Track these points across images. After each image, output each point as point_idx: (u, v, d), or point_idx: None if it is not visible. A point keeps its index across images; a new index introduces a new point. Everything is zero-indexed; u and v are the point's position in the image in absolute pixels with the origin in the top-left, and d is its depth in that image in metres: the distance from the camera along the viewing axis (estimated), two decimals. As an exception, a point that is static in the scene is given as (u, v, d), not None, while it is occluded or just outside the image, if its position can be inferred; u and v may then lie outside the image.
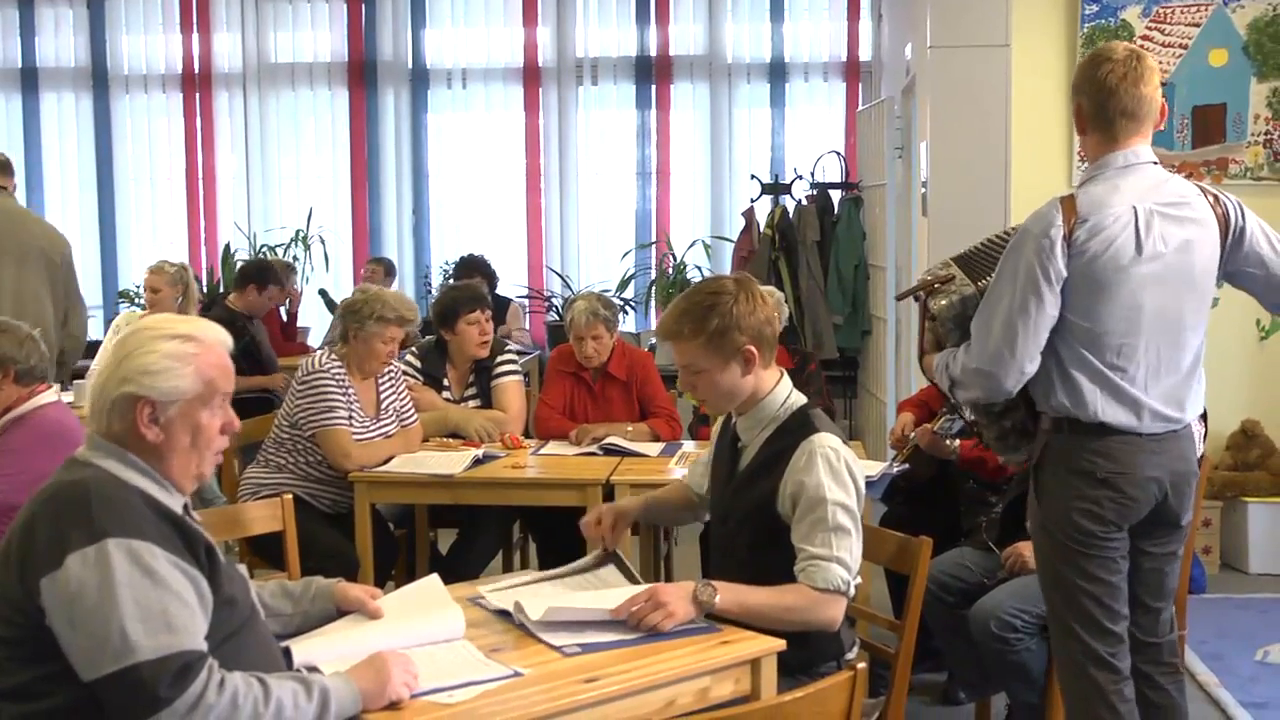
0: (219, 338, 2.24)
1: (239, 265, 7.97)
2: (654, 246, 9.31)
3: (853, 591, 2.76)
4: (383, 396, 4.58)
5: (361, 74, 9.54)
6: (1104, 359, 2.87)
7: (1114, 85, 2.87)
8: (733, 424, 2.99)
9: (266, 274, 7.01)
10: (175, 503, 2.17)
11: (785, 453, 2.80)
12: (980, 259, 3.11)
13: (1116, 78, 2.87)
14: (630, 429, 4.83)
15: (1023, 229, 2.90)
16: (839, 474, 2.76)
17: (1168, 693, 3.07)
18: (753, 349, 2.82)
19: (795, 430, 2.83)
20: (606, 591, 2.78)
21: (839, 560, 2.71)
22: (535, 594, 2.77)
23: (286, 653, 2.36)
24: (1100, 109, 2.90)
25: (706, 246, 9.23)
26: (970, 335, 2.98)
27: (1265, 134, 6.00)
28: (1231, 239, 2.95)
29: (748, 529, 2.85)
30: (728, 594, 2.63)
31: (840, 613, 2.74)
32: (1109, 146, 2.91)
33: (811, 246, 8.09)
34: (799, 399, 2.93)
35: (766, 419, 2.89)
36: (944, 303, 3.05)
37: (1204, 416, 3.13)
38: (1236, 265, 2.99)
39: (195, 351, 2.17)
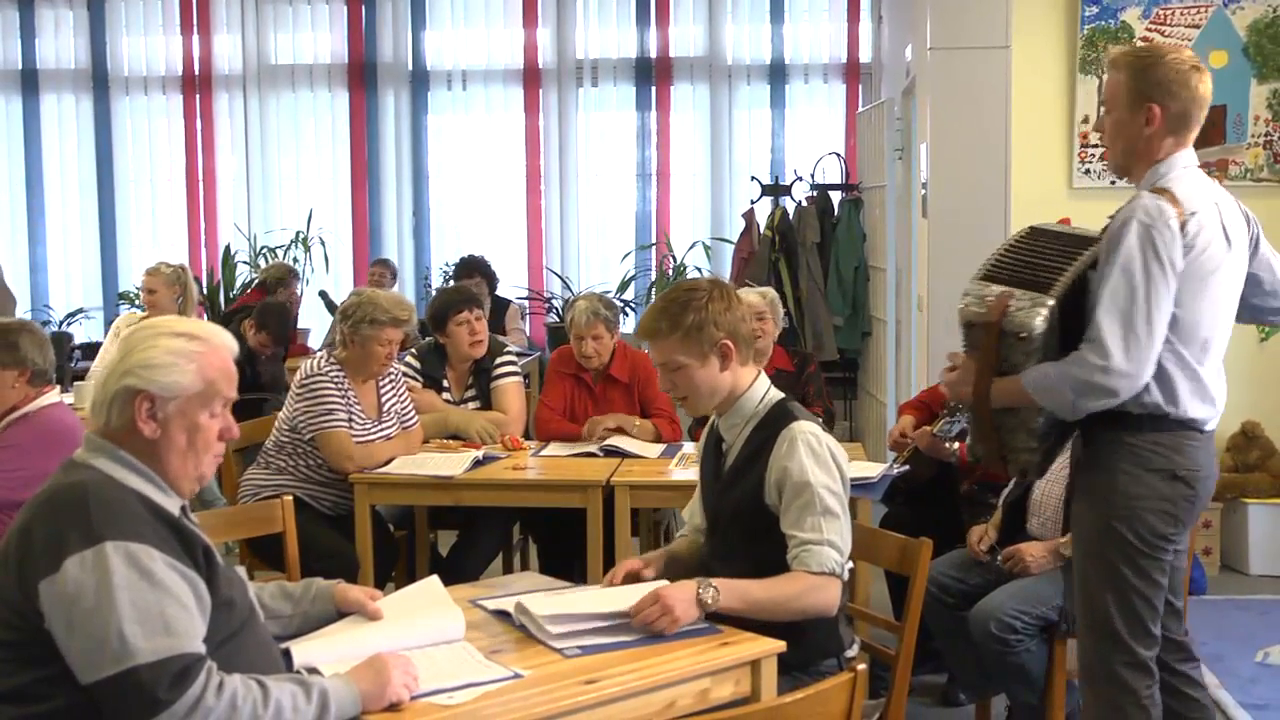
0: (225, 341, 2.25)
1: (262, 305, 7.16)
2: (654, 248, 9.32)
3: (845, 574, 2.76)
4: (384, 399, 4.58)
5: (361, 75, 9.54)
6: (1192, 352, 2.90)
7: (1206, 97, 2.96)
8: (715, 425, 3.02)
9: (264, 319, 6.67)
10: (173, 505, 2.17)
11: (767, 444, 2.83)
12: (1031, 269, 2.99)
13: (1207, 90, 2.96)
14: (638, 423, 4.84)
15: (1132, 222, 2.83)
16: (821, 458, 2.78)
17: (1202, 685, 3.13)
18: (729, 344, 2.85)
19: (775, 422, 2.86)
20: (612, 592, 2.78)
21: (830, 543, 2.73)
22: (543, 598, 2.76)
23: (286, 654, 2.36)
24: (1188, 115, 2.95)
25: (706, 248, 9.23)
26: (1052, 350, 2.89)
27: (1265, 135, 6.00)
28: (1252, 241, 3.07)
29: (739, 525, 2.87)
30: (728, 591, 2.65)
31: (837, 596, 2.75)
32: (1177, 148, 2.97)
33: (811, 248, 8.10)
34: (777, 393, 2.94)
35: (747, 415, 2.91)
36: (1037, 320, 2.87)
37: None
38: (1249, 268, 3.09)
39: (199, 350, 2.18)
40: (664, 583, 2.73)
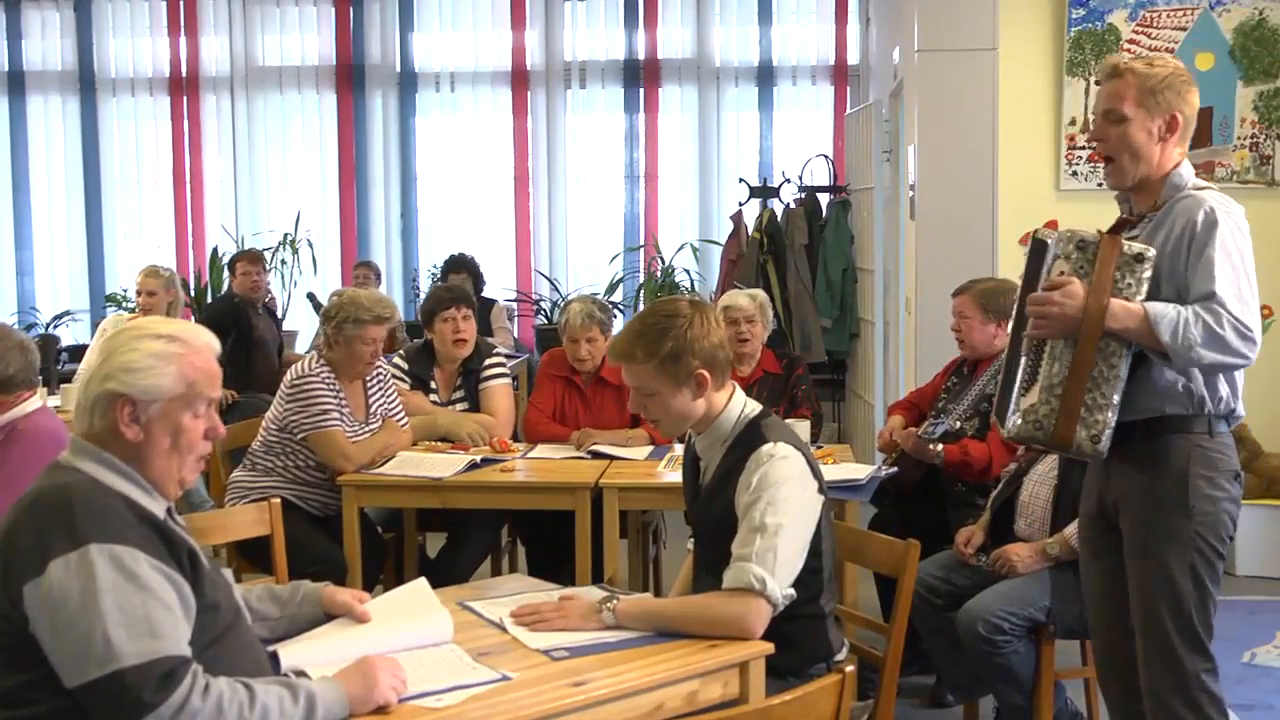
0: (205, 341, 2.24)
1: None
2: (642, 250, 9.32)
3: (773, 592, 2.62)
4: (371, 400, 4.58)
5: (349, 77, 9.53)
6: None
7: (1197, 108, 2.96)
8: (692, 442, 2.99)
9: (234, 258, 7.42)
10: (158, 507, 2.16)
11: (738, 465, 2.78)
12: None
13: (1198, 101, 2.95)
14: (630, 435, 4.82)
15: (1214, 210, 2.77)
16: (778, 478, 2.70)
17: None
18: (705, 373, 2.79)
19: (747, 442, 2.80)
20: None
21: (757, 558, 2.64)
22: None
23: (274, 657, 2.35)
24: (1193, 125, 2.94)
25: (694, 250, 9.24)
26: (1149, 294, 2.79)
27: (1251, 137, 6.02)
28: None
29: (720, 542, 2.80)
30: (633, 606, 2.66)
31: (753, 612, 2.60)
32: (1182, 157, 2.95)
33: (799, 250, 8.10)
34: (753, 410, 2.88)
35: (721, 437, 2.86)
36: (1151, 250, 2.76)
37: None
38: None
39: (179, 352, 2.17)
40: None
